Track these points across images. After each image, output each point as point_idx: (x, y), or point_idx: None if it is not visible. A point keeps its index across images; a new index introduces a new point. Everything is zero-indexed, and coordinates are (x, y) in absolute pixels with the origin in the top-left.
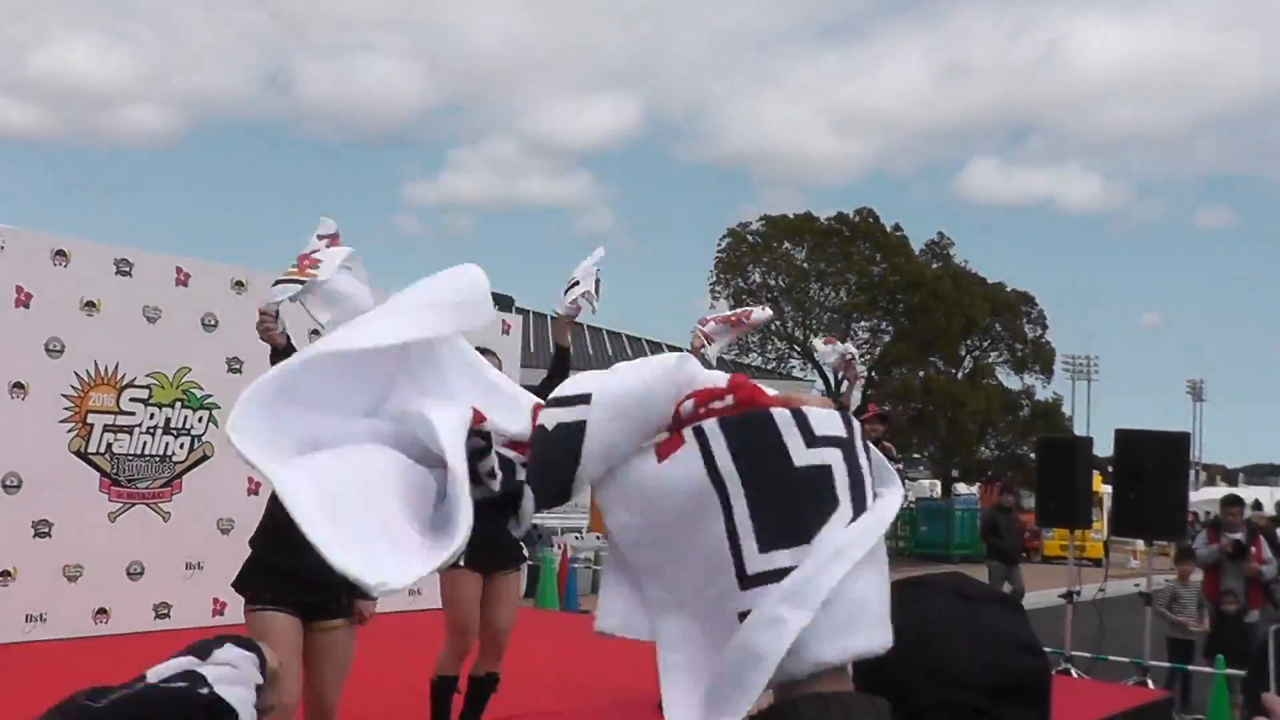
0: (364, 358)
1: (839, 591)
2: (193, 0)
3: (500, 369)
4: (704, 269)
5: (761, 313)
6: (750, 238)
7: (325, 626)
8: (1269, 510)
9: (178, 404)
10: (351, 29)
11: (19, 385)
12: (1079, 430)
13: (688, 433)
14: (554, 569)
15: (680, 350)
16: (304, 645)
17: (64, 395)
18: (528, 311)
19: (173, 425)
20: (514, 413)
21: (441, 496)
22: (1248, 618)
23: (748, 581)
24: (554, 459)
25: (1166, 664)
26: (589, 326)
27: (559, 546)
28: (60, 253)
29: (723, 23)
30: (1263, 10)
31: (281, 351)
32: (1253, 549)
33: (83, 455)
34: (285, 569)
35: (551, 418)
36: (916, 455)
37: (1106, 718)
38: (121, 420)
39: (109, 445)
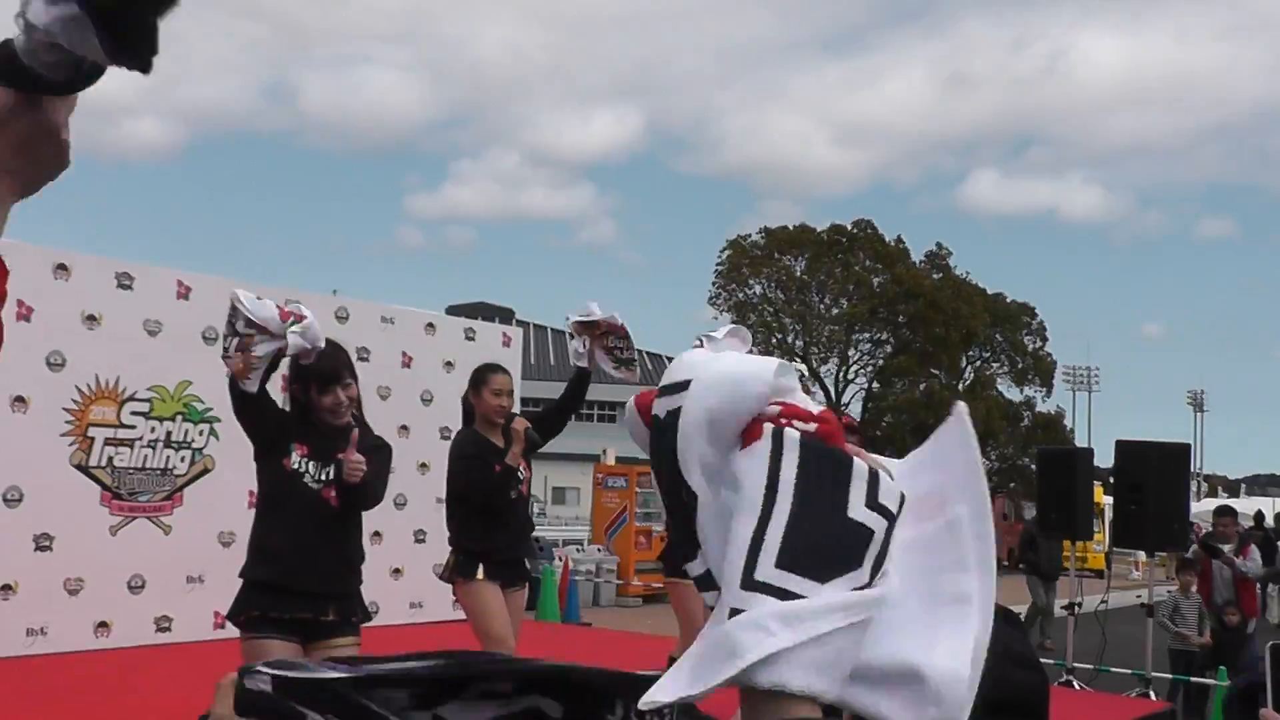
0: None
1: (828, 638)
2: (195, 13)
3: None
4: (706, 281)
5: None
6: (750, 249)
7: (332, 646)
8: (1270, 523)
9: (179, 417)
10: (354, 41)
11: (20, 399)
12: (1080, 441)
13: (767, 428)
14: (555, 581)
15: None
16: None
17: (65, 409)
18: (528, 324)
19: (174, 439)
20: None
21: None
22: (1247, 628)
23: (751, 584)
24: (665, 445)
25: (1169, 675)
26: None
27: (560, 559)
28: (61, 266)
29: (726, 35)
30: (1264, 20)
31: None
32: (1241, 555)
33: (84, 469)
34: (275, 584)
35: (660, 406)
36: None
37: None
38: (122, 434)
39: (110, 459)
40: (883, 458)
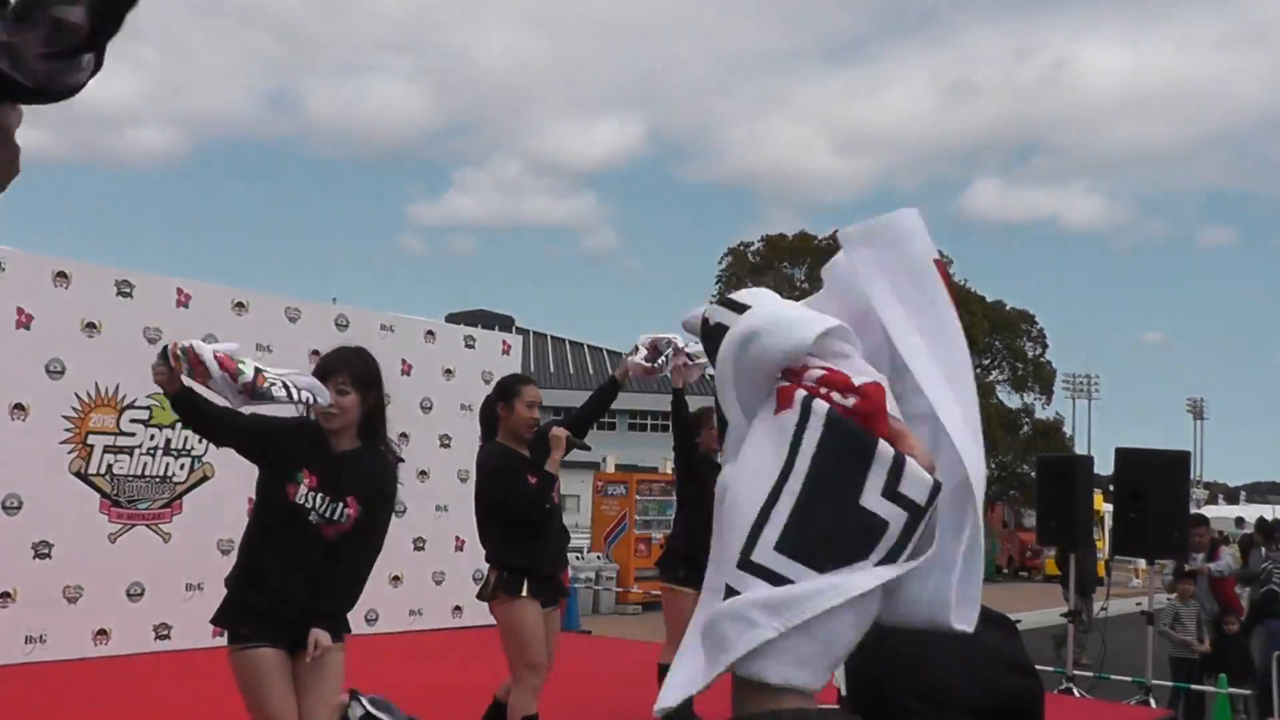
0: None
1: (813, 624)
2: (199, 22)
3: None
4: (708, 289)
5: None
6: (751, 257)
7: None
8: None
9: (178, 425)
10: (358, 50)
11: (19, 406)
12: (1080, 449)
13: (799, 395)
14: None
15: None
16: (295, 673)
17: (64, 416)
18: (528, 331)
19: (173, 446)
20: None
21: None
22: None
23: (747, 565)
24: (709, 350)
25: (1169, 683)
26: (589, 346)
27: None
28: (61, 274)
29: (729, 44)
30: (1264, 30)
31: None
32: (1209, 564)
33: (83, 476)
34: (264, 609)
35: (713, 313)
36: None
37: None
38: (122, 441)
39: (109, 466)
40: (919, 441)
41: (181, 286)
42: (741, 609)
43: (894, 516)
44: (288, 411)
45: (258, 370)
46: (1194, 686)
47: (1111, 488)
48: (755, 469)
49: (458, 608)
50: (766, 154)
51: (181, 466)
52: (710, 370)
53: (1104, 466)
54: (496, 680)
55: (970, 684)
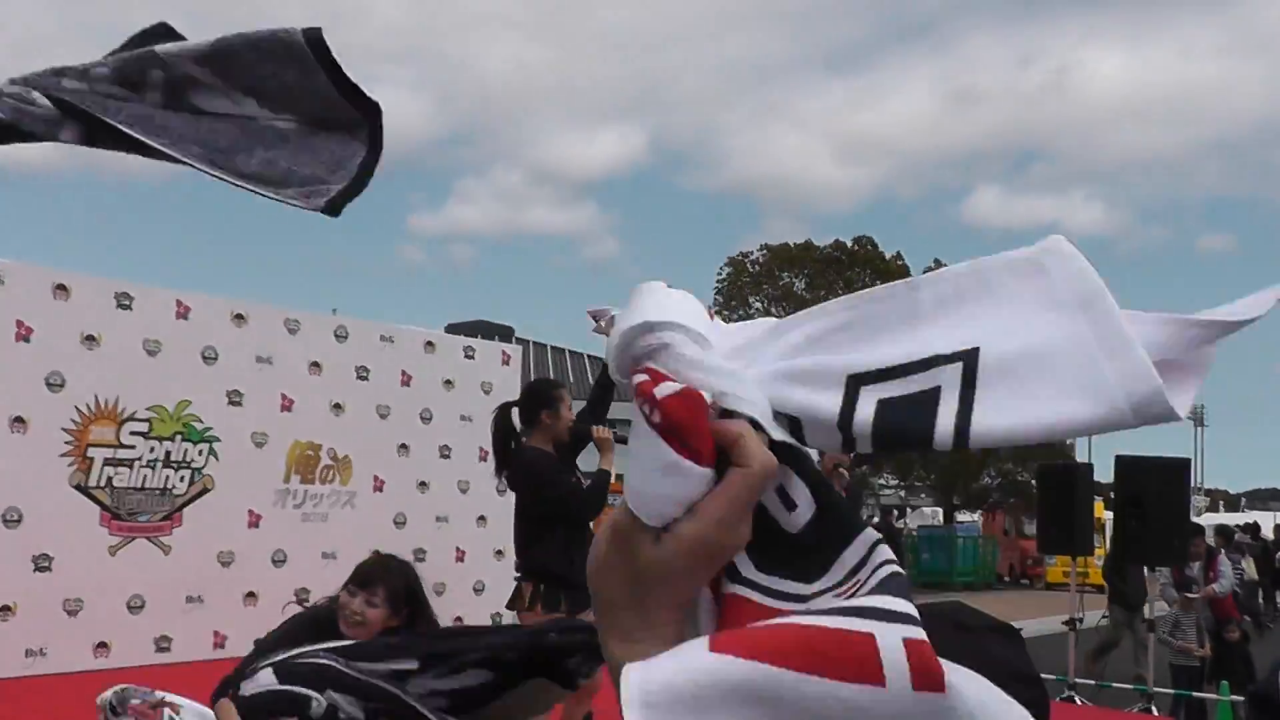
0: None
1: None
2: (199, 33)
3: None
4: (709, 299)
5: None
6: (750, 267)
7: None
8: (1268, 534)
9: (178, 437)
10: (359, 60)
11: (19, 419)
12: (1080, 457)
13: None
14: None
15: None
16: None
17: (64, 429)
18: (528, 342)
19: (173, 458)
20: None
21: None
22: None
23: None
24: None
25: (1171, 690)
26: (588, 356)
27: None
28: (61, 287)
29: (730, 53)
30: (1266, 36)
31: None
32: (1209, 573)
33: (83, 489)
34: None
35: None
36: (918, 483)
37: None
38: (122, 454)
39: (109, 479)
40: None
41: (181, 298)
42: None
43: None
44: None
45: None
46: (1195, 694)
47: (1112, 495)
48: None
49: (458, 618)
50: (768, 162)
51: (181, 479)
52: None
53: (1104, 474)
54: None
55: None
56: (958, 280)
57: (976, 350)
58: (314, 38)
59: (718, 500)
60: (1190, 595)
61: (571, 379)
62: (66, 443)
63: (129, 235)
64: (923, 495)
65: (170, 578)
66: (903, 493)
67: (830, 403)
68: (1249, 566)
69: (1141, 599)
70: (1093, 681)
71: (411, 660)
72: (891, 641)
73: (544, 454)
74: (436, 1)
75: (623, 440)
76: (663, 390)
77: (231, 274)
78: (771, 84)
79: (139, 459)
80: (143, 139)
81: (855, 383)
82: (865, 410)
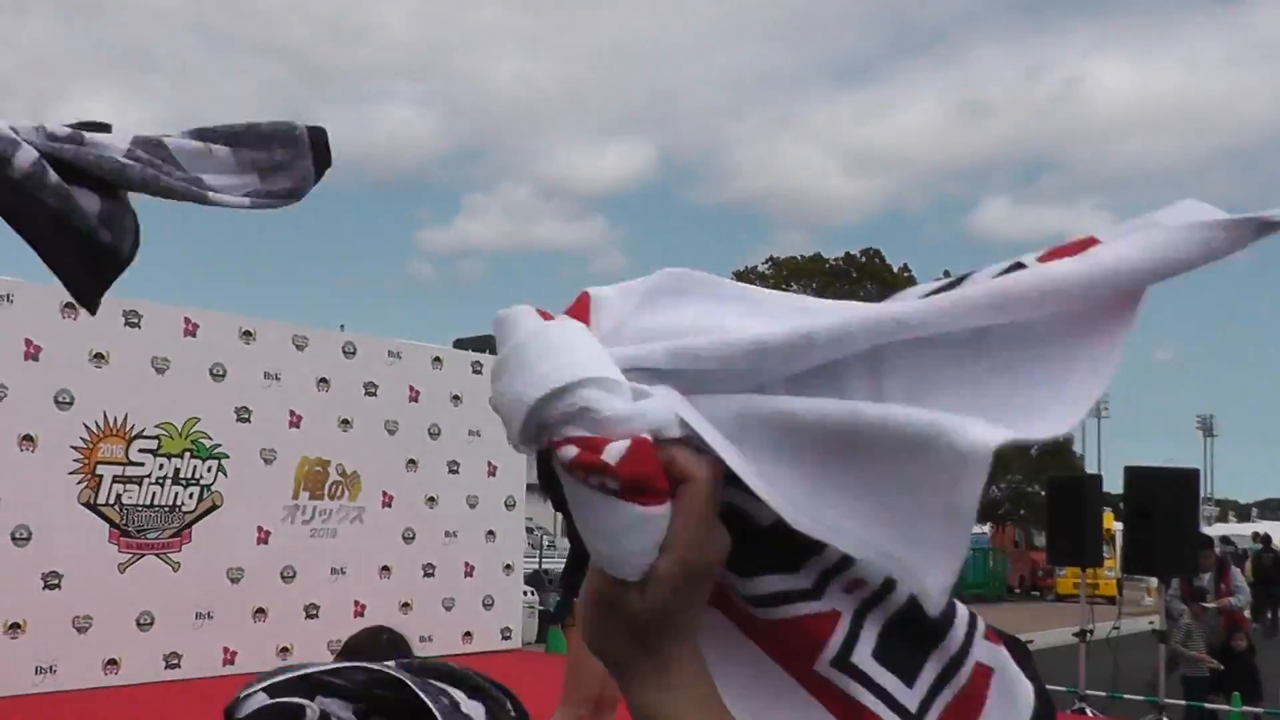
0: None
1: None
2: (212, 53)
3: None
4: None
5: None
6: (757, 281)
7: None
8: (1278, 544)
9: (186, 454)
10: (370, 78)
11: (28, 437)
12: (1090, 467)
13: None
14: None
15: None
16: None
17: (73, 447)
18: None
19: (182, 475)
20: None
21: None
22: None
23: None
24: None
25: (1182, 701)
26: None
27: None
28: (69, 305)
29: (738, 66)
30: (1274, 46)
31: None
32: (1221, 585)
33: (92, 506)
34: None
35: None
36: None
37: None
38: (131, 471)
39: (118, 496)
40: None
41: (189, 316)
42: None
43: None
44: None
45: None
46: (1207, 705)
47: (1122, 506)
48: None
49: (468, 633)
50: (776, 175)
51: (190, 496)
52: None
53: (1114, 485)
54: None
55: None
56: (857, 434)
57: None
58: (319, 139)
59: (682, 525)
60: (1205, 605)
61: None
62: (75, 460)
63: (140, 253)
64: None
65: (179, 594)
66: None
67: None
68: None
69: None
70: (1104, 693)
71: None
72: None
73: None
74: (446, 18)
75: None
76: (612, 455)
77: (239, 291)
78: (780, 97)
79: (148, 476)
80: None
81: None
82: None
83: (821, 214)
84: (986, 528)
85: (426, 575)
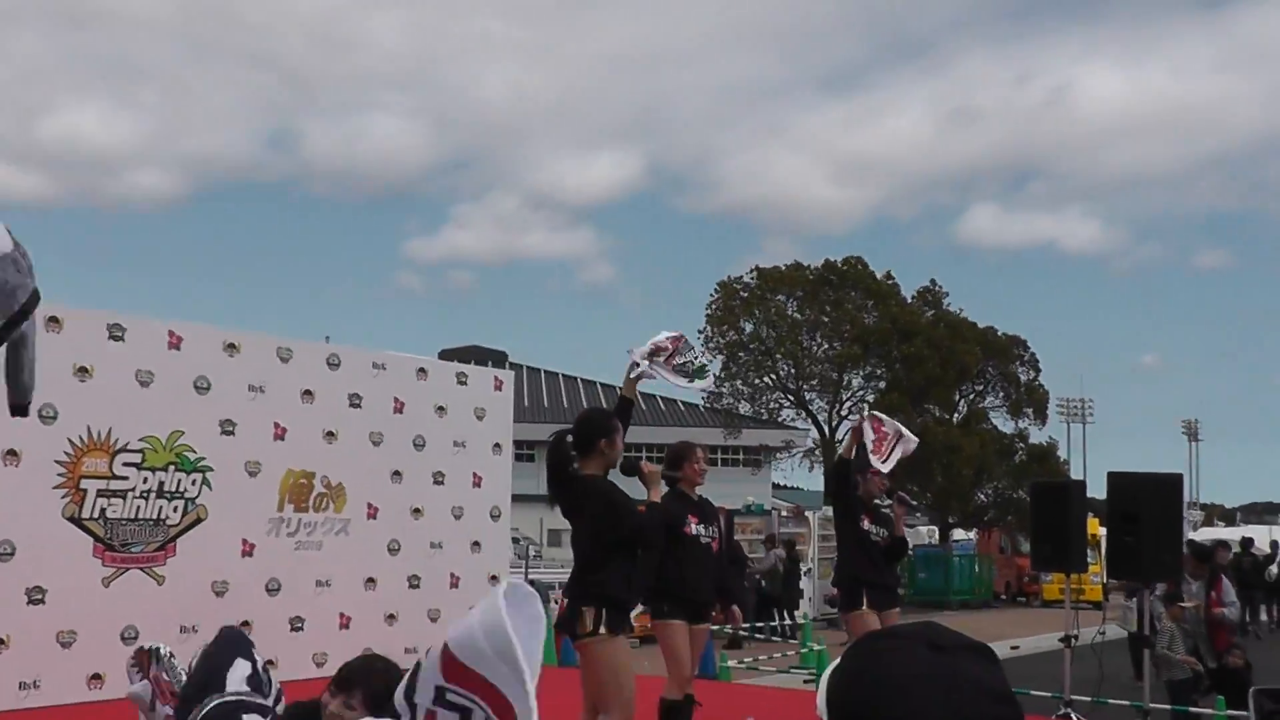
0: None
1: None
2: (201, 63)
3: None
4: (702, 323)
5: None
6: (741, 290)
7: None
8: (1263, 548)
9: (171, 467)
10: (358, 88)
11: (12, 452)
12: (1075, 473)
13: None
14: (550, 624)
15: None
16: None
17: (57, 461)
18: (521, 366)
19: (166, 489)
20: None
21: None
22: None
23: None
24: None
25: (1167, 706)
26: (582, 379)
27: (555, 602)
28: (53, 319)
29: (727, 75)
30: (1261, 52)
31: None
32: (1212, 593)
33: (76, 521)
34: None
35: None
36: (914, 502)
37: None
38: (115, 485)
39: (102, 510)
40: None
41: (173, 329)
42: None
43: None
44: None
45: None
46: (1192, 709)
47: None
48: None
49: None
50: (765, 184)
51: (175, 509)
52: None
53: (1099, 490)
54: None
55: (951, 713)
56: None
57: None
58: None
59: None
60: (1184, 605)
61: (565, 403)
62: (59, 475)
63: (120, 266)
64: (918, 514)
65: (164, 608)
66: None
67: None
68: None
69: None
70: (1088, 698)
71: None
72: None
73: (613, 483)
74: (434, 28)
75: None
76: None
77: (223, 303)
78: (768, 105)
79: (132, 490)
80: None
81: None
82: None
83: (810, 222)
84: (972, 534)
85: (412, 587)
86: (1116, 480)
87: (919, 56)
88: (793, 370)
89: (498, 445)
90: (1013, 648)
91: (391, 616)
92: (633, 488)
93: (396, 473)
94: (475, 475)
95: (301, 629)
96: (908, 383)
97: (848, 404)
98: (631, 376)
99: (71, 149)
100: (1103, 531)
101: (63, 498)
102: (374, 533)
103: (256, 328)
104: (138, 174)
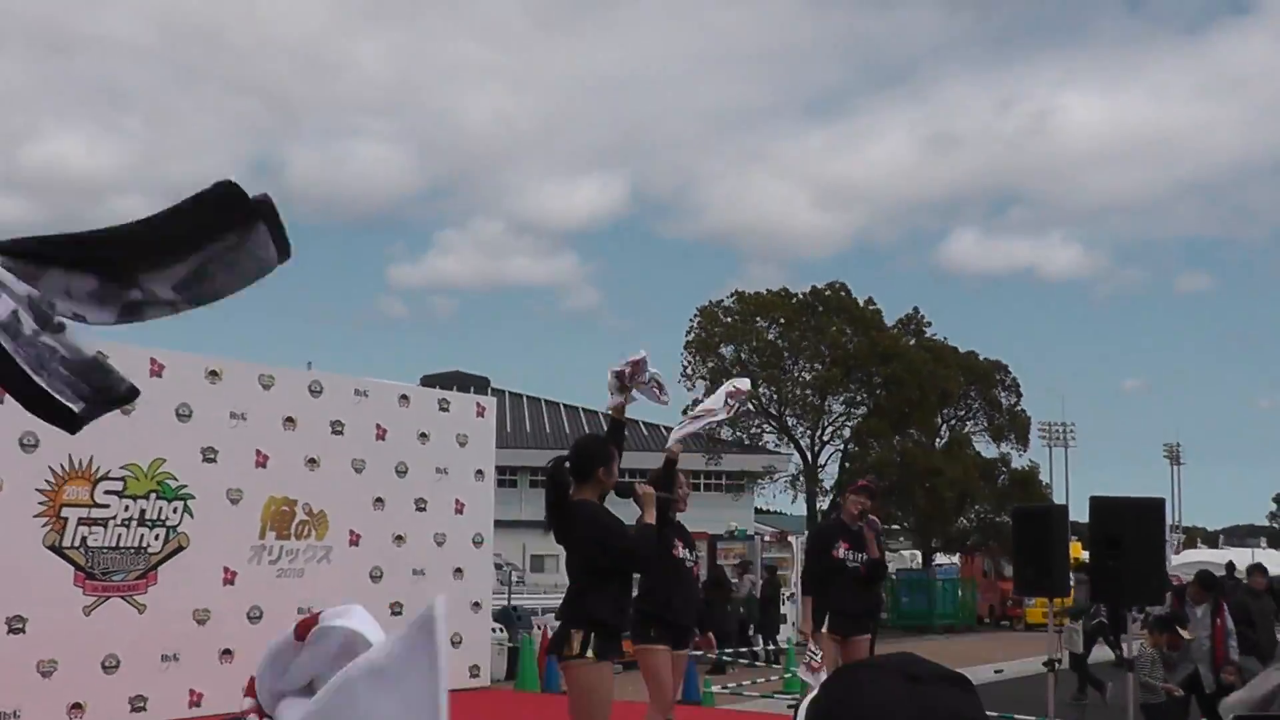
0: None
1: None
2: (184, 88)
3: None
4: (681, 349)
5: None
6: (723, 315)
7: None
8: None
9: (152, 495)
10: (342, 114)
11: None
12: (1058, 497)
13: None
14: (534, 650)
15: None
16: None
17: (38, 489)
18: (504, 392)
19: (148, 517)
20: None
21: None
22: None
23: None
24: None
25: None
26: (564, 405)
27: (539, 628)
28: None
29: (709, 101)
30: (1241, 78)
31: None
32: (1217, 620)
33: (57, 549)
34: None
35: None
36: (896, 526)
37: None
38: (96, 513)
39: (83, 539)
40: None
41: (155, 356)
42: None
43: None
44: None
45: None
46: None
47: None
48: None
49: None
50: (747, 210)
51: (156, 537)
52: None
53: (1081, 514)
54: None
55: None
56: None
57: None
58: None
59: None
60: (1183, 634)
61: (548, 429)
62: (40, 503)
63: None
64: (901, 539)
65: (145, 637)
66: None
67: None
68: None
69: (1273, 649)
70: None
71: None
72: None
73: (606, 509)
74: (418, 54)
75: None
76: None
77: (205, 331)
78: (751, 131)
79: (113, 518)
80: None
81: None
82: None
83: (792, 247)
84: (956, 558)
85: (394, 614)
86: (1099, 504)
87: (901, 82)
88: (774, 395)
89: (480, 472)
90: (996, 671)
91: None
92: (626, 511)
93: (379, 500)
94: (458, 502)
95: None
96: (889, 407)
97: (829, 429)
98: (621, 401)
99: (55, 174)
100: (1085, 555)
101: (43, 526)
102: (356, 560)
103: (238, 355)
104: (121, 199)
